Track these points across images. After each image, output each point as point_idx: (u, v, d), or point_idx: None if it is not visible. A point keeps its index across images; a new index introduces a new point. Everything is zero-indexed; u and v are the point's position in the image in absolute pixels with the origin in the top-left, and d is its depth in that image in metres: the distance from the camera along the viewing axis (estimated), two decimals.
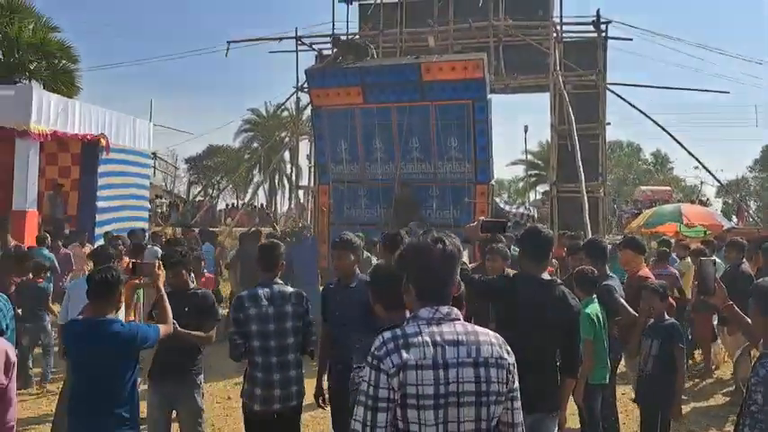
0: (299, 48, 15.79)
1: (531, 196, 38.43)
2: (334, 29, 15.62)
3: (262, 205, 33.87)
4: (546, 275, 3.48)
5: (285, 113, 32.64)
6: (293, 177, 35.20)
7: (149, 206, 18.30)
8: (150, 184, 19.13)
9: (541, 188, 35.85)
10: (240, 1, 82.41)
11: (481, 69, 10.36)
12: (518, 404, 2.02)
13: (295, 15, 67.43)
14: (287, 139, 28.85)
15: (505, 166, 44.45)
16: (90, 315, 3.49)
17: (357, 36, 12.77)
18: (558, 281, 3.63)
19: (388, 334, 1.91)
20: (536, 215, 14.51)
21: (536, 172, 40.32)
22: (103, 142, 13.79)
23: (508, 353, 2.00)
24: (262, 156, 30.72)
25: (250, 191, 31.46)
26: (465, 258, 3.78)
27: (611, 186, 28.26)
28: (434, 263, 1.98)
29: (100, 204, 13.93)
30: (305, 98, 15.87)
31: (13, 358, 3.00)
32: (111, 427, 3.27)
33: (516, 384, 2.00)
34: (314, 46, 16.33)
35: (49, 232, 11.26)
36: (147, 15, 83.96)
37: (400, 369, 1.82)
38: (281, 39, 15.80)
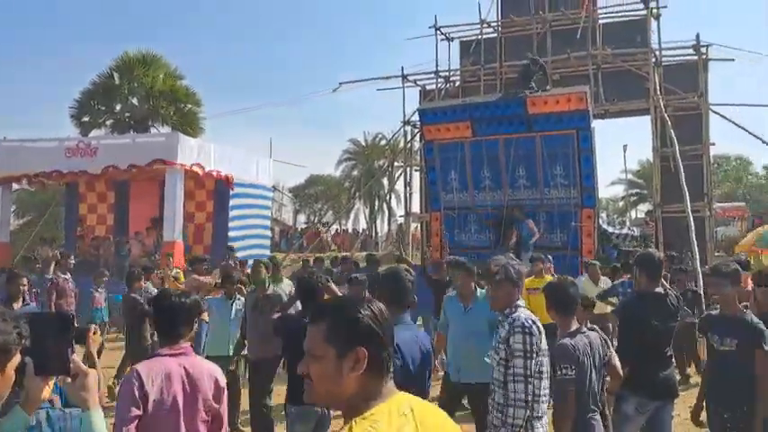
0: (405, 85, 16.96)
1: (632, 215, 37.72)
2: (437, 66, 16.72)
3: (363, 230, 35.43)
4: (659, 289, 4.24)
5: (383, 142, 34.11)
6: (393, 204, 36.54)
7: (270, 235, 19.94)
8: None
9: (643, 207, 35.10)
10: (345, 48, 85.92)
11: (584, 101, 11.04)
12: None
13: (397, 56, 70.26)
14: (385, 166, 30.16)
15: (605, 186, 43.66)
16: None
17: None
18: (671, 293, 4.39)
19: (525, 319, 3.18)
20: (638, 235, 14.66)
21: (636, 191, 39.51)
22: (231, 178, 15.48)
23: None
24: (362, 183, 32.22)
25: (352, 215, 33.00)
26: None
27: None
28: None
29: (231, 234, 15.60)
30: (410, 130, 17.02)
31: (223, 383, 2.81)
32: None
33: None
34: (417, 82, 17.46)
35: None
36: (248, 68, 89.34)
37: (542, 333, 3.19)
38: (388, 77, 17.04)
